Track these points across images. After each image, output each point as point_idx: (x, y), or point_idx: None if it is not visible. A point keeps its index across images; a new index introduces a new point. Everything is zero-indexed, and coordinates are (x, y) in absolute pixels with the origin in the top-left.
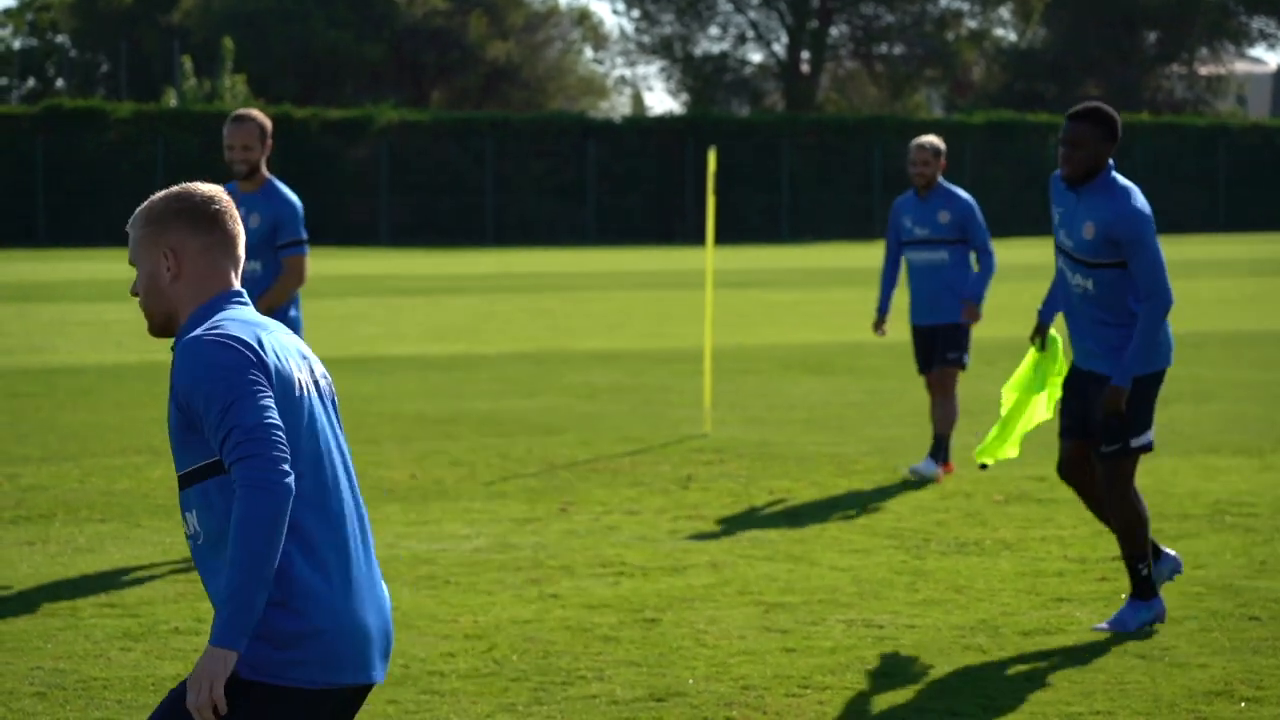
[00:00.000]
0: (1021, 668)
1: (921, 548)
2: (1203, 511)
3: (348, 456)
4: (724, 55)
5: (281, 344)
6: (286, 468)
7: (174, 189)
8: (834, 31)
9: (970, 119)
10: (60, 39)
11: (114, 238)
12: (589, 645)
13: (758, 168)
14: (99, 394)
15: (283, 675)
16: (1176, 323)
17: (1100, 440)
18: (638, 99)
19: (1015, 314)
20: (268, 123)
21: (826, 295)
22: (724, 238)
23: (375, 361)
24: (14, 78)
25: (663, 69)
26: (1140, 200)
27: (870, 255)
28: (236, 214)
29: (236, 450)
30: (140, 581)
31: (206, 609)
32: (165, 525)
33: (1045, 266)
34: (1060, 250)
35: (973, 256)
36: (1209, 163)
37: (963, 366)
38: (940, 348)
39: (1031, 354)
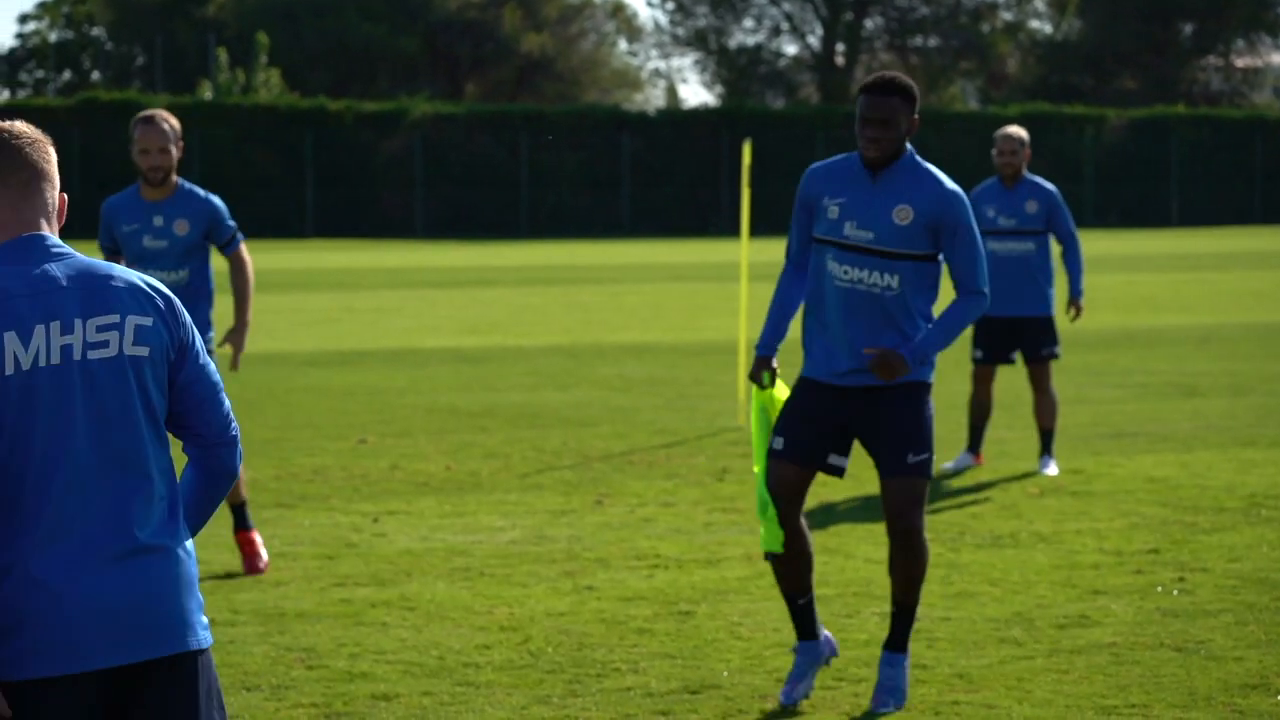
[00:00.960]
0: (1057, 660)
1: (956, 540)
2: (1238, 505)
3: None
4: (759, 47)
5: (20, 309)
6: None
7: None
8: (869, 24)
9: (1005, 111)
10: (96, 32)
11: None
12: (624, 637)
13: (792, 160)
14: None
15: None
16: (1212, 314)
17: (892, 454)
18: (672, 91)
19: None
20: (178, 123)
21: None
22: (758, 230)
23: (409, 354)
24: (50, 70)
25: (697, 61)
26: (952, 181)
27: None
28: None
29: None
30: None
31: (242, 600)
32: None
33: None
34: (838, 245)
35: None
36: (1245, 155)
37: (1056, 357)
38: (1035, 342)
39: (756, 399)
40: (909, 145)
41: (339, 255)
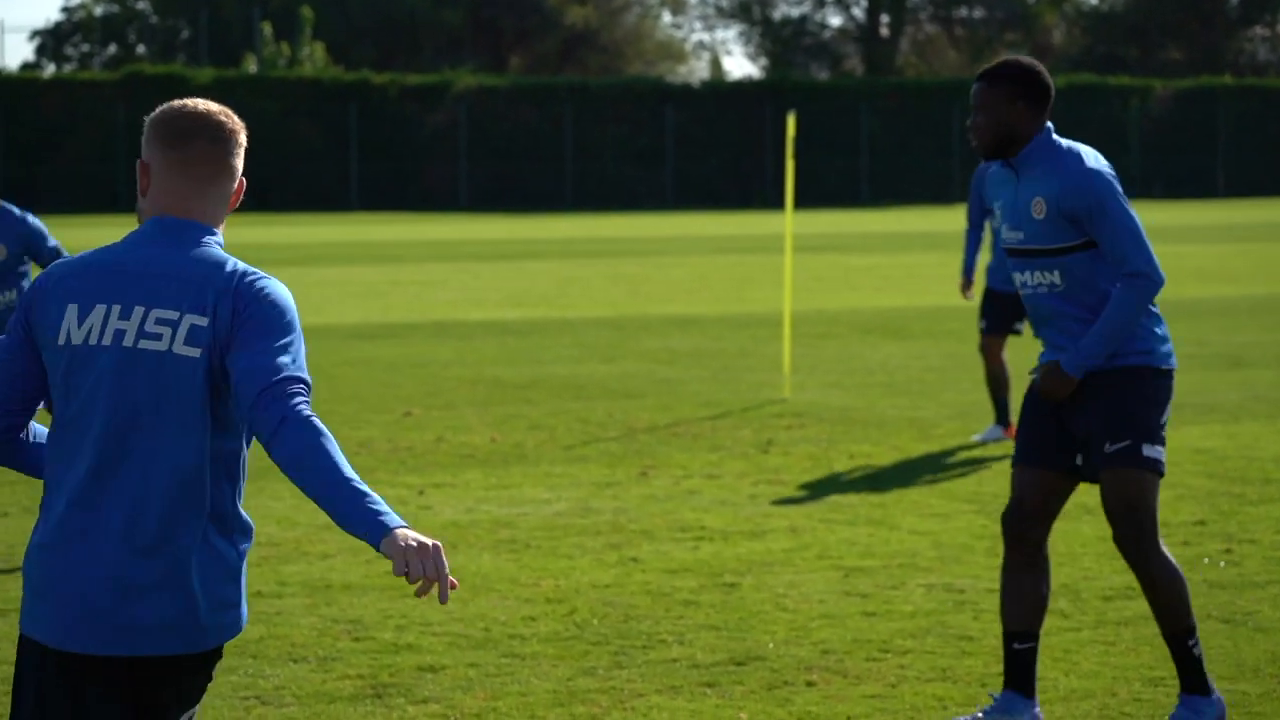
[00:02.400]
0: (1103, 632)
1: (1001, 511)
2: None
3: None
4: (803, 19)
5: (88, 286)
6: None
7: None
8: None
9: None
10: (141, 5)
11: None
12: (669, 609)
13: (837, 132)
14: None
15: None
16: (1259, 285)
17: (1094, 447)
18: (716, 63)
19: None
20: None
21: (905, 259)
22: (803, 202)
23: (454, 326)
24: (95, 44)
25: (741, 33)
26: (1094, 159)
27: (949, 219)
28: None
29: None
30: None
31: (289, 572)
32: (248, 489)
33: None
34: (1008, 252)
35: None
36: None
37: None
38: None
39: None
40: (1049, 124)
41: (384, 228)
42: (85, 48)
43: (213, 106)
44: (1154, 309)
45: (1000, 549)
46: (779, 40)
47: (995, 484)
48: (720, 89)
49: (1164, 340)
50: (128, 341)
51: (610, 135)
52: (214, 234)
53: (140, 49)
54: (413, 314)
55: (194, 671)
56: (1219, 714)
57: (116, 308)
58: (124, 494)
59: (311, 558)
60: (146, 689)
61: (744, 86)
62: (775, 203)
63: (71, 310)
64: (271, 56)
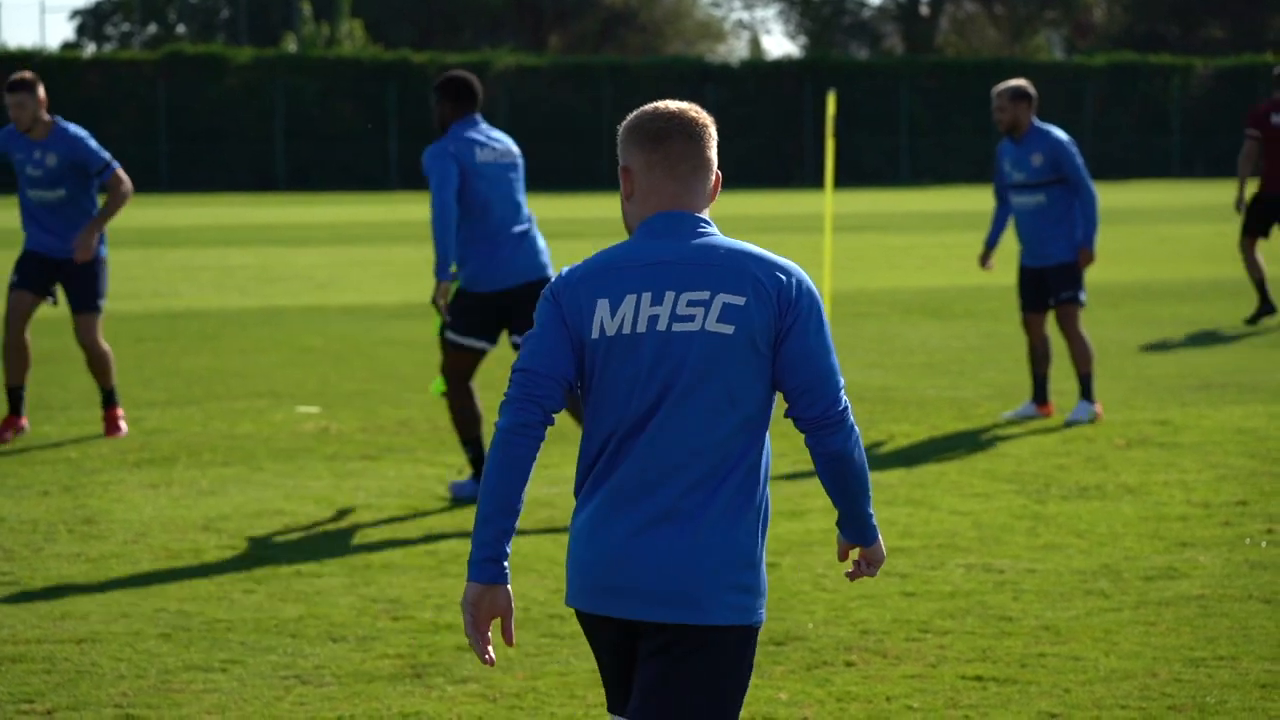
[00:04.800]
0: (1144, 612)
1: (1042, 492)
2: None
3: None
4: None
5: (617, 280)
6: (515, 411)
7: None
8: None
9: (1091, 61)
10: None
11: (235, 183)
12: None
13: (876, 111)
14: (222, 339)
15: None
16: None
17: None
18: (755, 42)
19: (1136, 257)
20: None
21: (945, 239)
22: (842, 181)
23: None
24: (135, 24)
25: (780, 11)
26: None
27: (989, 199)
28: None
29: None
30: (263, 525)
31: (328, 551)
32: (287, 468)
33: (1161, 209)
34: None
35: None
36: None
37: (1079, 304)
38: (1053, 288)
39: None
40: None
41: (423, 208)
42: (125, 27)
43: (684, 105)
44: None
45: (1041, 529)
46: (818, 19)
47: (1036, 464)
48: (760, 68)
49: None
50: (661, 326)
51: None
52: (709, 223)
53: (180, 28)
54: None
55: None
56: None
57: (647, 295)
58: (662, 469)
59: (351, 537)
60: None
61: (783, 65)
62: (815, 182)
63: (603, 304)
64: (311, 36)
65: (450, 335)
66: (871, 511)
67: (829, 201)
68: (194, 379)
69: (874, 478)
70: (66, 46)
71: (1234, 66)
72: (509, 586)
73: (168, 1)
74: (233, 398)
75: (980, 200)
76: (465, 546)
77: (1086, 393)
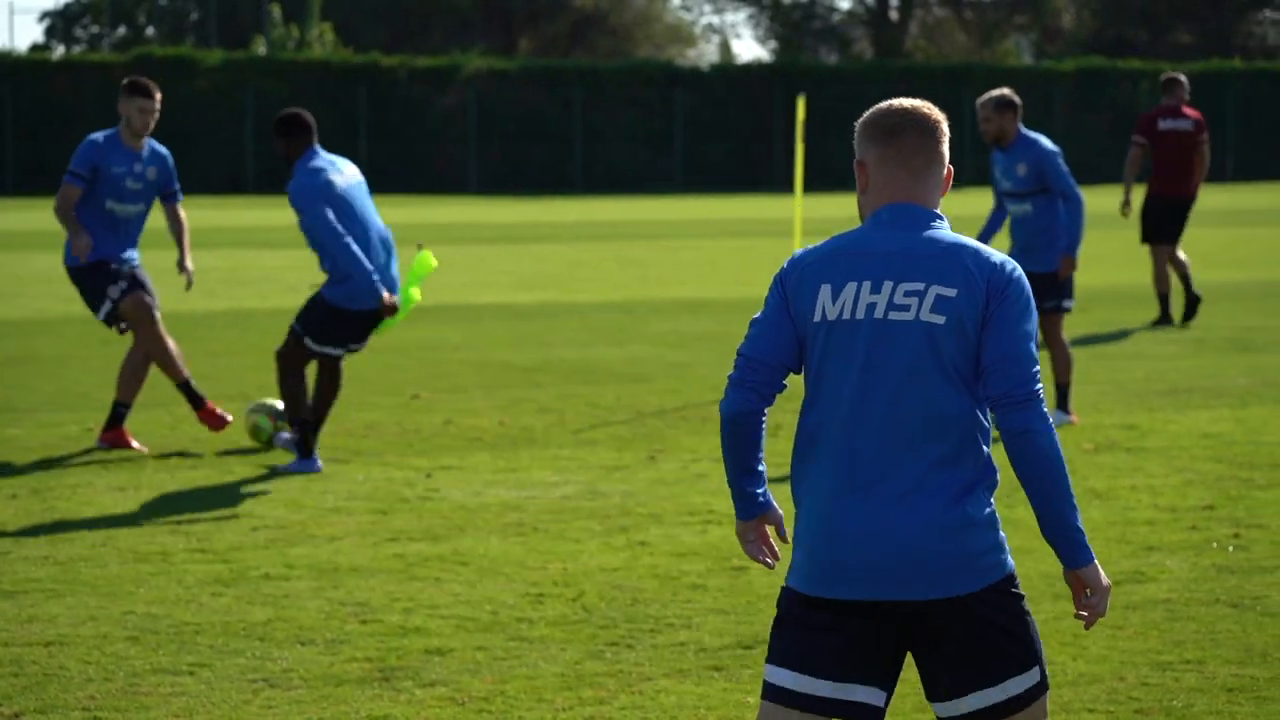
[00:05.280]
0: (1111, 616)
1: (1011, 496)
2: None
3: (881, 391)
4: (812, 2)
5: (840, 266)
6: (734, 399)
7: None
8: None
9: (1060, 66)
10: None
11: (204, 185)
12: (677, 593)
13: (846, 115)
14: (191, 341)
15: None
16: (1268, 270)
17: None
18: (725, 46)
19: (1110, 261)
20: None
21: None
22: (812, 186)
23: (463, 310)
24: (104, 26)
25: (750, 16)
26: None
27: (957, 203)
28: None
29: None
30: (231, 528)
31: (297, 555)
32: (256, 472)
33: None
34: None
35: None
36: None
37: (1063, 311)
38: (1038, 296)
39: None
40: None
41: (392, 211)
42: (94, 29)
43: (917, 102)
44: None
45: (1010, 532)
46: (788, 23)
47: (1004, 468)
48: (730, 72)
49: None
50: (878, 314)
51: (619, 118)
52: (941, 218)
53: (149, 31)
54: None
55: None
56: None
57: (867, 284)
58: (881, 453)
59: (319, 540)
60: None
61: (753, 70)
62: (784, 186)
63: (825, 290)
64: (280, 39)
65: (311, 344)
66: (1078, 524)
67: (799, 205)
68: (162, 381)
69: None
70: (35, 48)
71: (1202, 72)
72: (773, 506)
73: (137, 4)
74: None
75: (947, 205)
76: (435, 550)
77: (1064, 402)
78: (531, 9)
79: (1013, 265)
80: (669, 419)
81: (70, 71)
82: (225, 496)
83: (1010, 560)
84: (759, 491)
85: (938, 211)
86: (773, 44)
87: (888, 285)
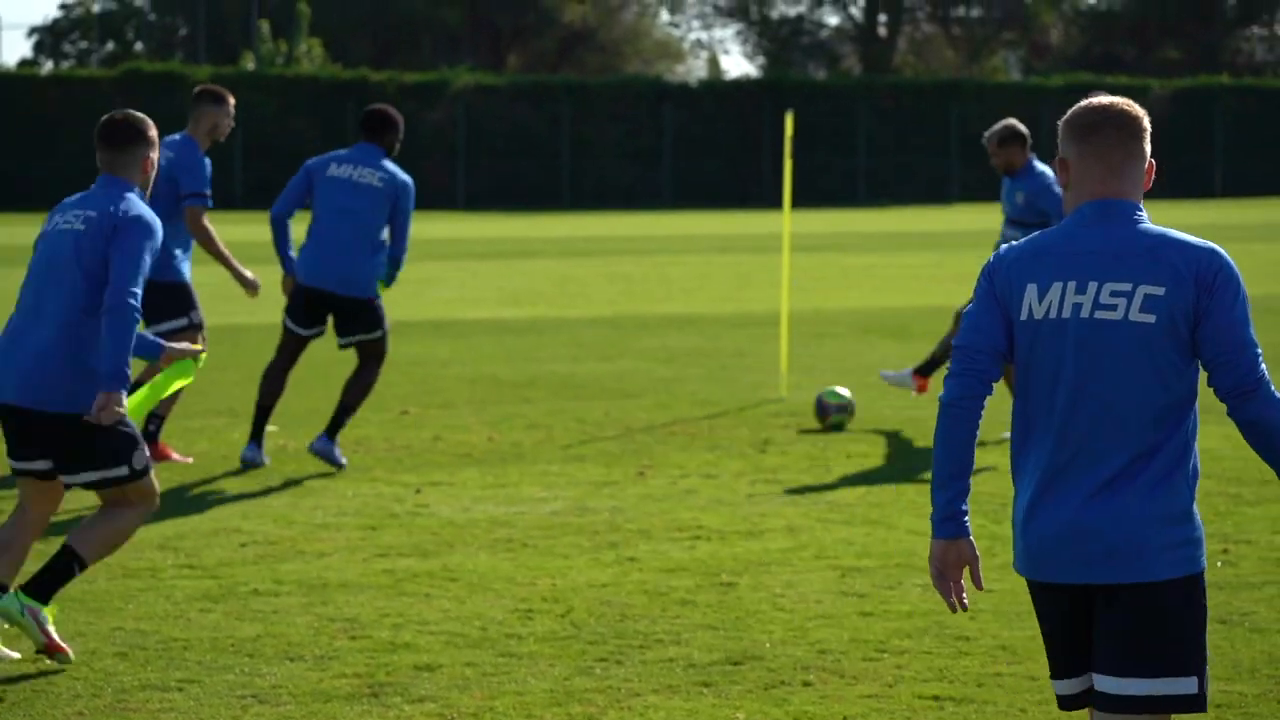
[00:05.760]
0: None
1: (999, 512)
2: None
3: None
4: (800, 18)
5: (1046, 266)
6: (957, 385)
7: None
8: None
9: (1048, 82)
10: (139, 2)
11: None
12: (666, 609)
13: (834, 131)
14: None
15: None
16: (1257, 285)
17: None
18: (714, 62)
19: None
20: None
21: (903, 259)
22: (800, 201)
23: (451, 325)
24: (93, 41)
25: (739, 32)
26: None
27: (947, 219)
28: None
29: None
30: (220, 544)
31: (286, 571)
32: (244, 487)
33: None
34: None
35: None
36: None
37: None
38: None
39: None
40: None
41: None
42: (83, 45)
43: (1115, 99)
44: None
45: (997, 549)
46: (776, 39)
47: (992, 484)
48: (718, 88)
49: None
50: (1084, 314)
51: (608, 134)
52: (1141, 211)
53: (138, 46)
54: (410, 312)
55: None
56: None
57: (1072, 284)
58: (1095, 447)
59: (308, 556)
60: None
61: (742, 85)
62: (773, 202)
63: (1031, 289)
64: (269, 54)
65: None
66: None
67: (787, 221)
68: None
69: (829, 498)
70: (24, 64)
71: (1190, 88)
72: (971, 538)
73: (126, 19)
74: (190, 416)
75: (937, 220)
76: (424, 566)
77: None
78: (520, 25)
79: (1219, 253)
80: (658, 434)
81: (59, 87)
82: (214, 512)
83: (1203, 560)
84: (965, 509)
85: (1139, 204)
86: (761, 60)
87: (1093, 285)
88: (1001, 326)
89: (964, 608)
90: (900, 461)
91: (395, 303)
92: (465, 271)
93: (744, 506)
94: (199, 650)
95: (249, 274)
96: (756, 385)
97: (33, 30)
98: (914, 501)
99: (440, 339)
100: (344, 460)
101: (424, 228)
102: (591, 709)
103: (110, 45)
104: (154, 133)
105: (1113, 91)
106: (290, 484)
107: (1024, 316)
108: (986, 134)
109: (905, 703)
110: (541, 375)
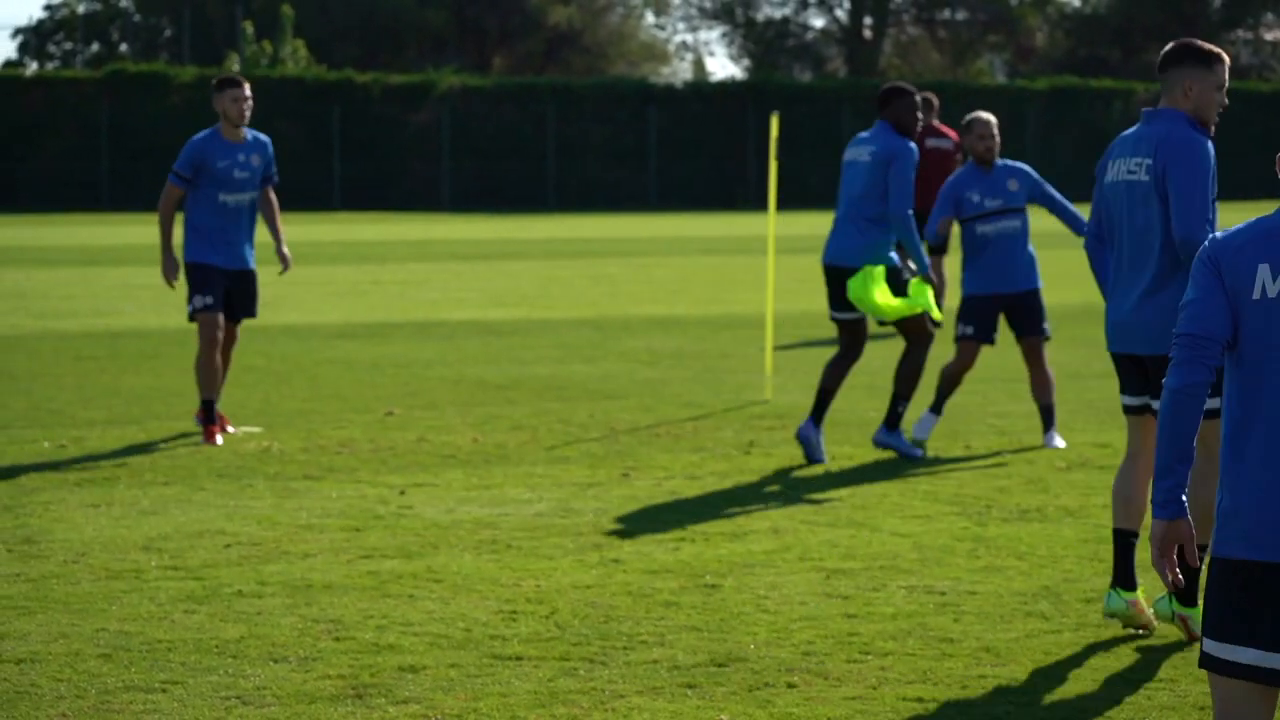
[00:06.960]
0: (1084, 634)
1: (984, 514)
2: None
3: None
4: (786, 20)
5: (1262, 248)
6: (1183, 373)
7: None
8: None
9: (1033, 85)
10: (124, 3)
11: None
12: (650, 610)
13: (820, 133)
14: (163, 358)
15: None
16: None
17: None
18: (699, 64)
19: (1074, 280)
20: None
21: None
22: (786, 204)
23: (436, 326)
24: (78, 42)
25: (724, 34)
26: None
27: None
28: None
29: None
30: (204, 545)
31: (270, 572)
32: (229, 488)
33: None
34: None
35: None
36: (1274, 129)
37: (1049, 337)
38: (1030, 317)
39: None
40: None
41: (366, 228)
42: (68, 46)
43: None
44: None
45: (981, 551)
46: (762, 41)
47: (977, 486)
48: (703, 90)
49: None
50: None
51: (593, 136)
52: None
53: (123, 47)
54: (395, 314)
55: None
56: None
57: None
58: None
59: (292, 557)
60: None
61: (727, 88)
62: (758, 204)
63: (1264, 269)
64: (254, 55)
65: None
66: None
67: (772, 223)
68: (135, 398)
69: (814, 500)
70: (9, 64)
71: None
72: (1189, 518)
73: (110, 20)
74: (174, 417)
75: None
76: (409, 567)
77: (1049, 424)
78: (506, 27)
79: None
80: (642, 436)
81: (44, 87)
82: (198, 514)
83: None
84: (1184, 491)
85: None
86: (746, 62)
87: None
88: (1227, 313)
89: (1180, 584)
90: (884, 463)
91: (379, 305)
92: (450, 273)
93: (728, 508)
94: (183, 652)
95: (171, 264)
96: (741, 387)
97: (17, 31)
98: (898, 504)
99: (425, 340)
100: (918, 452)
101: (409, 229)
102: (576, 710)
103: (95, 46)
104: None
105: (1098, 95)
106: (274, 485)
107: (1256, 295)
108: (988, 118)
109: (889, 704)
110: (526, 377)
